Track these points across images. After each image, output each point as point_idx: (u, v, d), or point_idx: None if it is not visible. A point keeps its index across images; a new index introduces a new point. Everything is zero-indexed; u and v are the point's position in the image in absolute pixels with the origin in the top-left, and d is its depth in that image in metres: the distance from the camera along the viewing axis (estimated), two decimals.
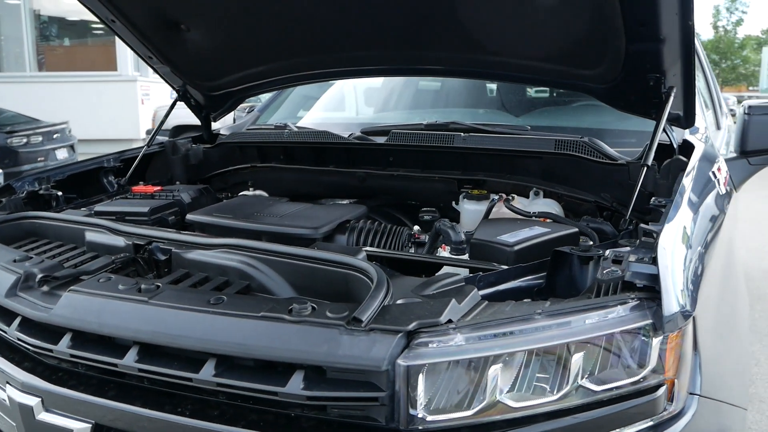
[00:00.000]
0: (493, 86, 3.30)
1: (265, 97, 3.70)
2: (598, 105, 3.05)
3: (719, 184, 1.94)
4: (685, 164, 1.81)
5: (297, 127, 2.84)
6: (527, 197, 2.11)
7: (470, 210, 2.09)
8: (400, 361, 1.01)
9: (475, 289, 1.20)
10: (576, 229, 1.71)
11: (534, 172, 2.14)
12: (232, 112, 3.26)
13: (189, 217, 2.07)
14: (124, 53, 11.68)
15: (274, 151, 2.67)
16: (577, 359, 1.05)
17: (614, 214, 2.00)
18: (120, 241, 1.61)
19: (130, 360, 1.16)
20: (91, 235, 1.68)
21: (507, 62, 2.09)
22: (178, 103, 2.86)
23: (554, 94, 3.44)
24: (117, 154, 2.74)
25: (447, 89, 3.49)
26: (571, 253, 1.33)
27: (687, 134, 2.18)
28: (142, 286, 1.24)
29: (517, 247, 1.58)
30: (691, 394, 1.14)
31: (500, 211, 2.01)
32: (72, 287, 1.29)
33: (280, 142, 2.60)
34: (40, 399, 1.25)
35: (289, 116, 3.43)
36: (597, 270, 1.33)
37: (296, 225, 1.87)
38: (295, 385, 1.04)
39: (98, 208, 2.24)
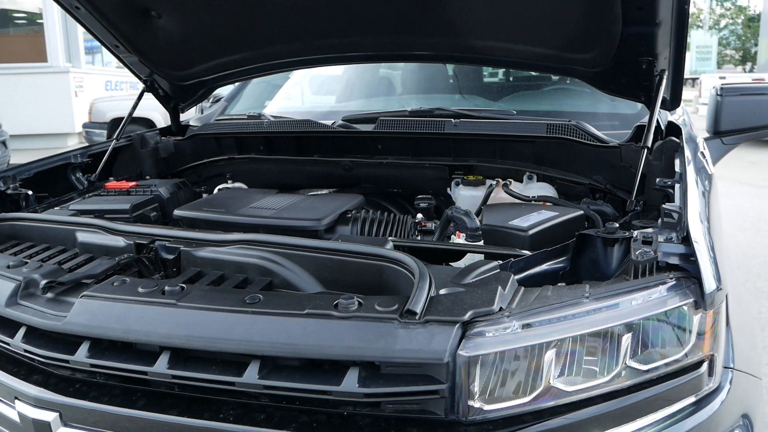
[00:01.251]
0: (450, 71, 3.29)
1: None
2: (570, 89, 3.16)
3: (707, 164, 2.02)
4: (678, 145, 1.86)
5: (273, 116, 2.75)
6: (520, 182, 2.13)
7: (466, 196, 2.09)
8: (462, 352, 1.00)
9: (513, 276, 1.20)
10: (581, 212, 1.74)
11: (526, 156, 2.15)
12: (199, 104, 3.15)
13: (177, 213, 1.98)
14: (54, 43, 11.03)
15: (254, 142, 2.58)
16: (625, 340, 1.07)
17: (607, 195, 2.04)
18: (119, 241, 1.51)
19: (161, 367, 1.09)
20: (84, 236, 1.57)
21: (497, 47, 2.09)
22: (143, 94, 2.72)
23: (510, 78, 3.47)
24: (83, 149, 2.59)
25: (410, 76, 3.47)
26: (597, 236, 1.35)
27: (669, 116, 2.26)
28: (167, 288, 1.17)
29: (531, 232, 1.58)
30: (725, 368, 1.18)
31: (498, 196, 2.02)
32: (85, 293, 1.20)
33: (260, 132, 2.51)
34: (57, 413, 1.16)
35: (254, 106, 3.32)
36: (622, 252, 1.35)
37: (297, 217, 1.81)
38: (351, 383, 1.01)
39: (73, 206, 2.11)
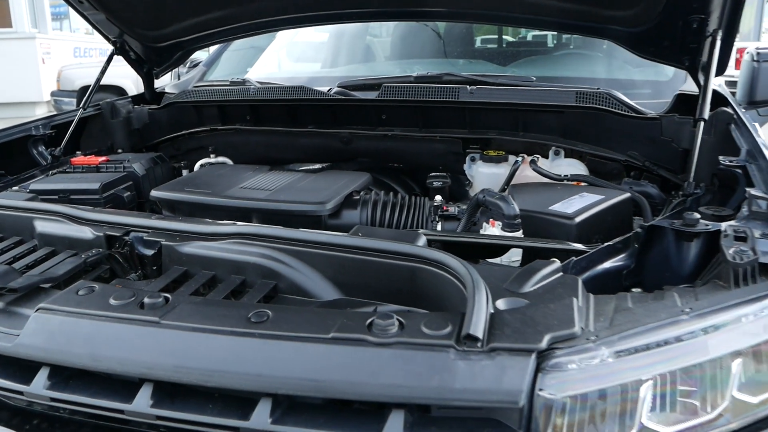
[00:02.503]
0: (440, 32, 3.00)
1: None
2: (582, 53, 2.90)
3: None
4: (731, 117, 1.63)
5: (260, 82, 2.45)
6: (546, 158, 1.89)
7: (486, 174, 1.85)
8: (544, 393, 0.76)
9: (580, 281, 0.97)
10: (628, 194, 1.51)
11: (551, 128, 1.91)
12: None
13: (155, 193, 1.70)
14: (19, 7, 10.37)
15: (239, 111, 2.29)
16: (736, 368, 0.84)
17: (643, 173, 1.82)
18: (86, 233, 1.24)
19: (142, 404, 0.84)
20: (44, 226, 1.30)
21: (522, 2, 1.82)
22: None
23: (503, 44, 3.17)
24: (45, 120, 2.27)
25: (402, 40, 3.17)
26: (674, 228, 1.12)
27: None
28: (146, 301, 0.91)
29: (578, 219, 1.35)
30: None
31: (523, 174, 1.78)
32: (42, 305, 0.94)
33: (246, 99, 2.22)
34: None
35: (236, 71, 3.01)
36: (700, 249, 1.13)
37: (296, 200, 1.56)
38: (394, 430, 0.77)
39: (34, 186, 1.82)
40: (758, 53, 2.26)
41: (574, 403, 0.79)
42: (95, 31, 2.31)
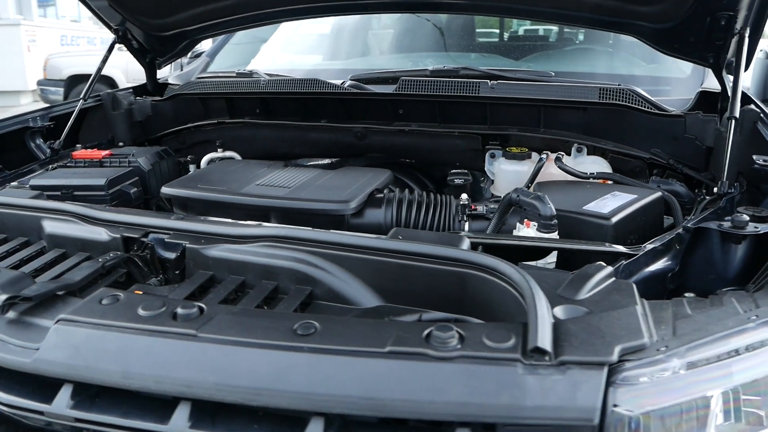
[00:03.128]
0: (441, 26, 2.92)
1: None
2: (594, 49, 2.85)
3: None
4: (758, 115, 1.59)
5: (268, 74, 2.37)
6: (568, 155, 1.84)
7: (509, 171, 1.79)
8: (619, 410, 0.71)
9: (634, 286, 0.92)
10: (660, 194, 1.46)
11: (573, 125, 1.86)
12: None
13: (166, 190, 1.63)
14: None
15: (249, 104, 2.21)
16: None
17: (666, 171, 1.78)
18: (101, 234, 1.17)
19: (180, 425, 0.78)
20: (53, 226, 1.22)
21: None
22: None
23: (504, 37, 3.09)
24: (43, 111, 2.18)
25: (407, 33, 3.10)
26: (723, 230, 1.07)
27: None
28: (179, 311, 0.85)
29: (614, 220, 1.30)
30: None
31: (548, 172, 1.73)
32: (63, 316, 0.87)
33: (257, 92, 2.14)
34: None
35: (239, 63, 2.92)
36: (746, 251, 1.08)
37: (318, 198, 1.49)
38: None
39: (35, 181, 1.74)
40: None
41: (647, 419, 0.74)
42: (94, 19, 2.22)
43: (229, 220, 1.26)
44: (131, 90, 2.48)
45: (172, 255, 1.12)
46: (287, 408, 0.76)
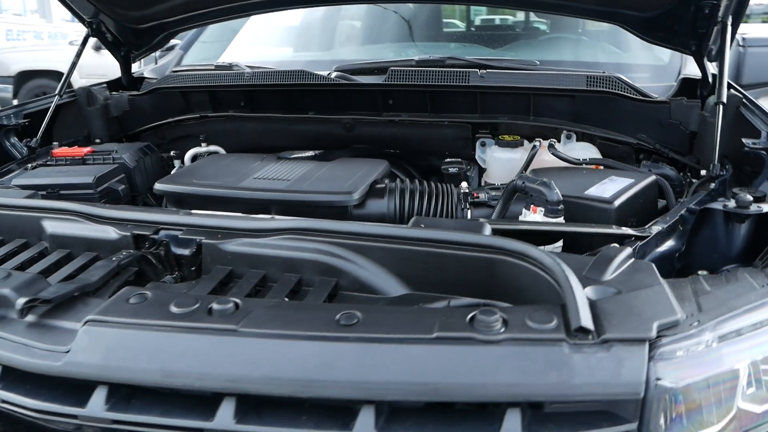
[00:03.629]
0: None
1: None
2: (570, 38, 2.91)
3: None
4: (740, 100, 1.66)
5: (250, 66, 2.33)
6: (558, 141, 1.87)
7: (502, 159, 1.81)
8: (663, 383, 0.74)
9: (653, 266, 0.95)
10: (654, 177, 1.51)
11: (562, 112, 1.90)
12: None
13: (160, 187, 1.59)
14: None
15: (233, 97, 2.18)
16: None
17: (652, 156, 1.83)
18: (109, 233, 1.14)
19: (226, 421, 0.77)
20: (56, 226, 1.18)
21: None
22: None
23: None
24: (16, 108, 2.10)
25: (376, 24, 3.09)
26: (728, 210, 1.12)
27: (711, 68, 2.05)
28: (215, 307, 0.83)
29: (617, 203, 1.34)
30: None
31: (541, 159, 1.76)
32: (92, 317, 0.85)
33: (242, 84, 2.11)
34: None
35: (213, 55, 2.87)
36: (748, 230, 1.13)
37: (321, 190, 1.49)
38: (513, 430, 0.73)
39: (18, 181, 1.67)
40: (743, 38, 2.32)
41: (687, 391, 0.77)
42: (41, 11, 2.14)
43: (243, 215, 1.24)
44: (105, 85, 2.41)
45: (187, 251, 1.10)
46: (338, 398, 0.76)
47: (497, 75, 1.89)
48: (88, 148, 1.96)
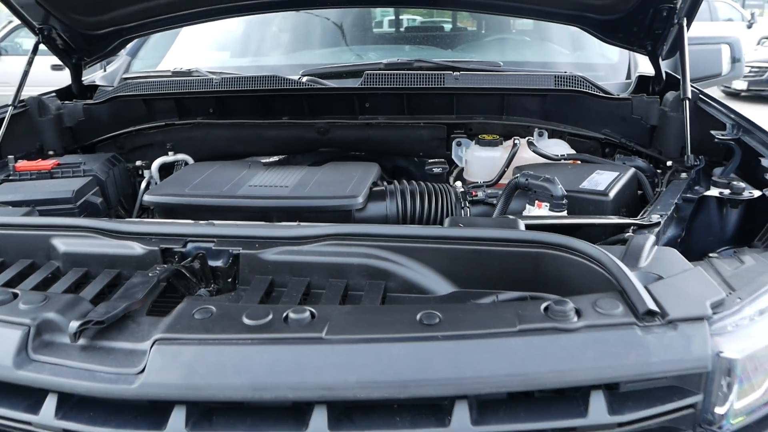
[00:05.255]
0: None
1: None
2: (511, 38, 3.04)
3: None
4: (697, 95, 1.82)
5: (211, 72, 2.27)
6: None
7: (483, 157, 1.88)
8: (726, 355, 0.82)
9: (677, 251, 1.04)
10: (634, 169, 1.63)
11: (533, 111, 2.00)
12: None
13: (151, 198, 1.54)
14: None
15: (202, 104, 2.12)
16: None
17: (617, 149, 1.97)
18: (134, 248, 1.09)
19: (321, 428, 0.77)
20: (69, 244, 1.12)
21: None
22: None
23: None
24: None
25: (307, 28, 3.08)
26: (725, 197, 1.23)
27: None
28: (291, 316, 0.83)
29: (612, 195, 1.44)
30: None
31: (520, 156, 1.84)
32: (161, 335, 0.82)
33: (212, 91, 2.05)
34: None
35: (156, 62, 2.76)
36: (739, 214, 1.26)
37: (324, 195, 1.49)
38: (599, 411, 0.78)
39: None
40: None
41: (744, 362, 0.85)
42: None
43: (271, 223, 1.23)
44: (54, 94, 2.27)
45: (221, 263, 1.08)
46: (435, 396, 0.78)
47: (472, 77, 1.95)
48: (53, 161, 1.84)
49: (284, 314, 0.84)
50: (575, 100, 1.95)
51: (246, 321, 0.83)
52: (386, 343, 0.79)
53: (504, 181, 1.81)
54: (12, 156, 1.95)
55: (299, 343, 0.80)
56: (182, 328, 0.83)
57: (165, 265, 1.06)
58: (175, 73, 2.31)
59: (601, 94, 1.94)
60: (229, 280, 1.08)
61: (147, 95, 2.09)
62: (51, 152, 2.13)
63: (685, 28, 1.80)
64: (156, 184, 2.06)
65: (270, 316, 0.84)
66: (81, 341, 0.86)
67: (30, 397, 0.85)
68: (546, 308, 0.83)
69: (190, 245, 1.10)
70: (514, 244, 1.01)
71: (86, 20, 2.05)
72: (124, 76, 2.52)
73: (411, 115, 2.03)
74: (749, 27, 11.67)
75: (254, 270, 1.06)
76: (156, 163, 2.05)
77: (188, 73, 2.28)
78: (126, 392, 0.79)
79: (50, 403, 0.83)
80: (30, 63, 2.06)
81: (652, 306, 0.82)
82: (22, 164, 1.81)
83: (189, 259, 1.07)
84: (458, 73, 1.96)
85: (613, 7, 1.85)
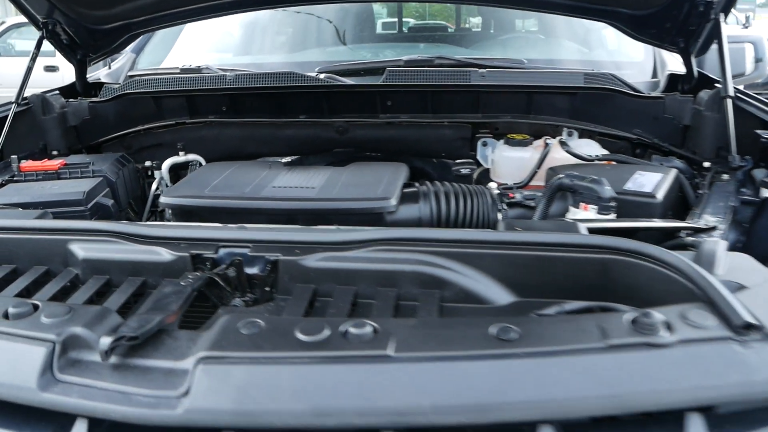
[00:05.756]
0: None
1: None
2: (523, 37, 2.98)
3: None
4: (735, 92, 1.75)
5: (221, 69, 2.19)
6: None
7: (513, 158, 1.81)
8: None
9: (751, 258, 0.97)
10: (676, 170, 1.56)
11: (561, 110, 1.92)
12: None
13: (169, 200, 1.45)
14: None
15: (214, 101, 2.03)
16: None
17: (648, 149, 1.90)
18: (161, 254, 1.00)
19: None
20: (89, 249, 1.03)
21: None
22: None
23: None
24: None
25: (326, 25, 3.01)
26: None
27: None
28: (351, 331, 0.75)
29: (660, 197, 1.36)
30: None
31: (551, 156, 1.77)
32: (206, 354, 0.73)
33: (225, 88, 1.97)
34: None
35: (161, 59, 2.67)
36: None
37: (356, 197, 1.41)
38: None
39: None
40: None
41: None
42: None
43: (311, 227, 1.14)
44: (58, 91, 2.17)
45: (258, 270, 0.99)
46: (517, 421, 0.70)
47: (498, 74, 1.88)
48: (60, 161, 1.75)
49: (343, 328, 0.75)
50: (605, 98, 1.88)
51: (300, 336, 0.75)
52: (461, 362, 0.71)
53: (535, 182, 1.74)
54: (15, 156, 1.85)
55: (364, 362, 0.71)
56: (229, 344, 0.74)
57: (197, 273, 0.96)
58: (184, 71, 2.22)
59: (634, 93, 1.87)
60: (267, 288, 0.99)
61: (157, 92, 2.00)
62: (55, 152, 2.03)
63: (723, 23, 1.74)
64: (167, 185, 1.97)
65: (327, 331, 0.75)
66: (113, 359, 0.77)
67: (56, 421, 0.75)
68: (633, 321, 0.75)
69: (222, 251, 1.01)
70: (582, 249, 0.92)
71: (93, 14, 1.96)
72: (130, 73, 2.43)
73: (434, 114, 1.95)
74: (745, 29, 11.71)
75: (294, 278, 0.98)
76: (167, 164, 1.96)
77: (198, 70, 2.20)
78: (169, 418, 0.70)
79: (80, 429, 0.74)
80: (34, 59, 1.97)
81: (750, 318, 0.74)
82: (27, 164, 1.71)
83: (224, 266, 0.98)
84: (484, 70, 1.88)
85: (647, 1, 1.78)
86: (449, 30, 4.14)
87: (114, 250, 1.02)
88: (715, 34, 1.72)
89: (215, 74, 2.03)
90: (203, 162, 2.02)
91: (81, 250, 1.03)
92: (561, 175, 1.37)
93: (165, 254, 1.00)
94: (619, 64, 2.32)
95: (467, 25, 3.91)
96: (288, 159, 2.10)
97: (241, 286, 0.99)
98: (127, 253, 1.02)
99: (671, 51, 1.95)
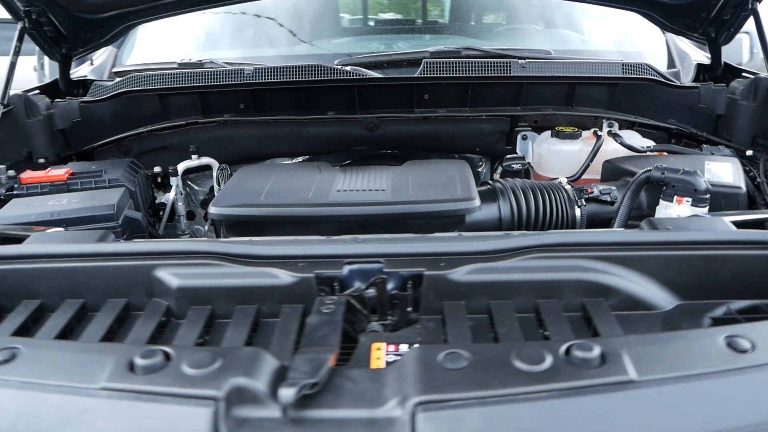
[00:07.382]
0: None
1: None
2: (518, 28, 2.91)
3: None
4: None
5: (227, 63, 2.00)
6: (600, 129, 1.85)
7: (562, 151, 1.74)
8: None
9: None
10: (738, 159, 1.53)
11: (600, 101, 1.87)
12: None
13: (219, 210, 1.29)
14: None
15: (232, 98, 1.85)
16: None
17: (683, 138, 1.89)
18: (279, 277, 0.85)
19: None
20: (182, 275, 0.86)
21: None
22: None
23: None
24: None
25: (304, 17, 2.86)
26: None
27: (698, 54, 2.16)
28: (576, 354, 0.64)
29: (744, 188, 1.33)
30: None
31: (605, 148, 1.71)
32: (423, 398, 0.60)
33: (244, 83, 1.79)
34: None
35: (149, 55, 2.43)
36: None
37: (435, 199, 1.29)
38: None
39: (7, 219, 1.25)
40: None
41: None
42: None
43: (451, 235, 1.02)
44: (38, 91, 1.92)
45: (397, 288, 0.86)
46: None
47: (539, 65, 1.81)
48: (66, 170, 1.53)
49: (563, 351, 0.64)
50: (642, 89, 1.85)
51: (520, 366, 0.63)
52: (704, 381, 0.61)
53: (588, 176, 1.68)
54: (2, 166, 1.61)
55: (607, 390, 0.61)
56: (443, 384, 0.62)
57: (334, 297, 0.82)
58: (184, 65, 2.02)
59: (671, 83, 1.84)
60: (408, 309, 0.86)
61: (165, 89, 1.80)
62: (41, 160, 1.79)
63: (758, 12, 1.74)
64: (182, 192, 1.78)
65: (549, 357, 0.64)
66: (292, 413, 0.62)
67: None
68: None
69: (347, 268, 0.87)
70: (753, 246, 0.85)
71: (83, 3, 1.73)
72: (116, 69, 2.19)
73: (472, 108, 1.85)
74: None
75: (441, 294, 0.85)
76: (180, 168, 1.77)
77: (200, 64, 2.00)
78: None
79: None
80: (16, 53, 1.72)
81: None
82: (29, 176, 1.48)
83: (361, 286, 0.84)
84: (524, 60, 1.80)
85: None
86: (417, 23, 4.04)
87: (217, 275, 0.86)
88: (756, 23, 1.71)
89: (228, 69, 1.84)
90: (216, 165, 1.84)
91: (174, 277, 0.87)
92: (649, 168, 1.31)
93: (283, 276, 0.85)
94: (641, 54, 2.29)
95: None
96: (299, 159, 1.95)
97: (381, 307, 0.86)
98: (234, 278, 0.86)
99: (699, 41, 1.94)
